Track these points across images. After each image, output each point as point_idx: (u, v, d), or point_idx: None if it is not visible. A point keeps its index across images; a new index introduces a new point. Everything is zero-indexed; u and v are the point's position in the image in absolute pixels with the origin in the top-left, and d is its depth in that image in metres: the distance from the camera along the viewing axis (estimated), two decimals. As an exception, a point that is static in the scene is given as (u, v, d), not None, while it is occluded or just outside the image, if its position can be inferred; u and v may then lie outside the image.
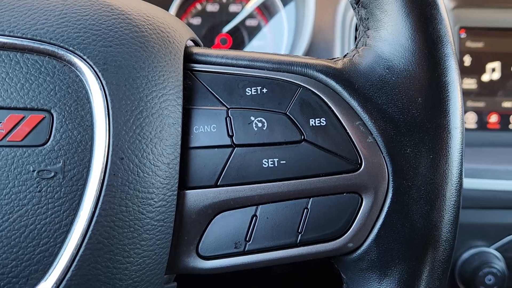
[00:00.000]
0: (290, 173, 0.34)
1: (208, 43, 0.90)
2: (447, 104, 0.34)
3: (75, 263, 0.30)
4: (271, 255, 0.34)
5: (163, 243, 0.33)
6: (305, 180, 0.34)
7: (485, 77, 0.85)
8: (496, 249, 0.77)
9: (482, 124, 0.85)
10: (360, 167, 0.34)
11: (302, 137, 0.34)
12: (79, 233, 0.30)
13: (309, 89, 0.35)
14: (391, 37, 0.35)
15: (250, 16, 0.90)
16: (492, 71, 0.85)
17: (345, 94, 0.35)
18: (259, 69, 0.36)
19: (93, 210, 0.30)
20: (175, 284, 0.37)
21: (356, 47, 0.37)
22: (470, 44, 0.85)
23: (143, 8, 0.36)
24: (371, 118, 0.34)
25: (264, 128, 0.34)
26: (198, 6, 0.90)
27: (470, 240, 0.78)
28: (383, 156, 0.34)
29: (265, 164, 0.34)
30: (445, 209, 0.34)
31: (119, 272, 0.31)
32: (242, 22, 0.90)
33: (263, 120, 0.34)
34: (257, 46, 0.89)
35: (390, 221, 0.34)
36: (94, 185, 0.30)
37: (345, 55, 0.37)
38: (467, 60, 0.85)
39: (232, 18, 0.89)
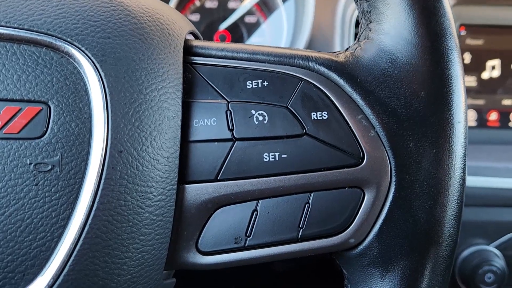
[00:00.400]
0: (292, 167, 0.33)
1: (207, 40, 0.89)
2: (450, 98, 0.33)
3: (72, 257, 0.29)
4: (272, 250, 0.34)
5: (162, 238, 0.32)
6: (307, 174, 0.33)
7: (485, 75, 0.84)
8: (496, 247, 0.77)
9: (482, 121, 0.85)
10: (362, 162, 0.33)
11: (304, 130, 0.34)
12: (77, 227, 0.30)
13: (311, 82, 0.34)
14: (394, 30, 0.34)
15: (249, 12, 0.89)
16: (492, 69, 0.84)
17: (347, 88, 0.34)
18: (260, 62, 0.35)
19: (91, 204, 0.30)
20: (174, 280, 0.36)
21: (358, 41, 0.37)
22: (470, 41, 0.84)
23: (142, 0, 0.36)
24: (374, 111, 0.34)
25: (265, 122, 0.34)
26: (197, 3, 0.89)
27: (470, 238, 0.78)
28: (386, 150, 0.33)
29: (266, 158, 0.33)
30: (448, 204, 0.33)
31: (117, 267, 0.31)
32: (241, 18, 0.89)
33: (264, 113, 0.34)
34: (256, 43, 0.89)
35: (393, 216, 0.33)
36: (92, 179, 0.30)
37: (347, 48, 0.37)
38: (467, 58, 0.84)
39: (231, 15, 0.89)
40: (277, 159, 0.33)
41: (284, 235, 0.34)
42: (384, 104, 0.34)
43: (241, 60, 0.35)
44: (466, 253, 0.77)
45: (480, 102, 0.85)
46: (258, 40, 0.89)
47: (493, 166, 0.78)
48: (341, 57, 0.35)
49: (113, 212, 0.30)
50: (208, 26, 0.89)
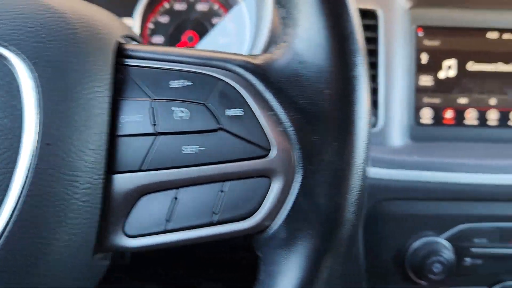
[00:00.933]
0: (208, 159, 0.37)
1: (176, 41, 0.93)
2: (353, 96, 0.37)
3: (3, 238, 0.33)
4: (191, 233, 0.37)
5: (89, 223, 0.36)
6: (221, 165, 0.37)
7: (441, 74, 0.88)
8: (446, 239, 0.81)
9: (438, 119, 0.88)
10: (271, 153, 0.37)
11: (219, 126, 0.37)
12: (8, 211, 0.33)
13: (228, 82, 0.38)
14: (305, 34, 0.38)
15: (216, 14, 0.93)
16: (448, 69, 0.88)
17: (260, 87, 0.38)
18: (184, 63, 0.39)
19: (21, 191, 0.33)
20: (107, 262, 0.40)
21: (277, 44, 0.40)
22: (427, 42, 0.88)
23: (78, 7, 0.39)
24: (284, 108, 0.37)
25: (185, 118, 0.37)
26: (166, 5, 0.93)
27: (421, 231, 0.81)
28: (293, 143, 0.37)
29: (185, 151, 0.37)
30: (348, 192, 0.37)
31: (46, 247, 0.34)
32: (208, 20, 0.93)
33: (185, 110, 0.37)
34: (222, 43, 0.92)
35: (298, 203, 0.37)
36: (22, 168, 0.33)
37: (266, 51, 0.40)
38: (424, 58, 0.88)
39: (199, 17, 0.92)
40: (195, 151, 0.37)
41: (202, 219, 0.37)
42: (293, 101, 0.37)
43: (168, 61, 0.39)
44: (416, 244, 0.80)
45: (436, 100, 0.88)
46: (224, 40, 0.92)
47: (446, 161, 0.81)
48: (259, 59, 0.39)
49: (41, 198, 0.34)
50: (177, 27, 0.93)
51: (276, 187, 0.37)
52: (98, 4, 0.93)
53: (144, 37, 0.92)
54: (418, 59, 0.88)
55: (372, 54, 0.85)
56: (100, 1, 0.93)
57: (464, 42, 0.88)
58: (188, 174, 0.37)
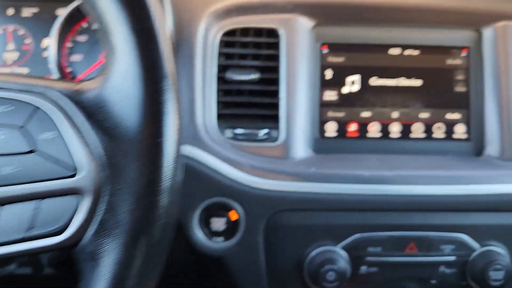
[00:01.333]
0: (24, 179, 0.40)
1: (94, 59, 0.96)
2: (158, 119, 0.40)
3: None
4: (9, 248, 0.40)
5: None
6: (36, 184, 0.40)
7: (345, 89, 0.91)
8: (342, 248, 0.84)
9: (342, 132, 0.92)
10: (79, 173, 0.40)
11: (33, 148, 0.40)
12: None
13: (44, 108, 0.41)
14: (117, 63, 0.41)
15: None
16: (352, 84, 0.92)
17: (74, 112, 0.41)
18: (7, 90, 0.42)
19: None
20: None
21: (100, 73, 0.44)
22: (331, 58, 0.91)
23: None
24: (94, 131, 0.41)
25: (3, 141, 0.40)
26: (84, 25, 0.96)
27: (320, 240, 0.84)
28: (99, 164, 0.40)
29: (1, 172, 0.40)
30: (150, 208, 0.40)
31: None
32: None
33: (4, 134, 0.40)
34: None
35: (104, 219, 0.40)
36: None
37: (90, 78, 0.44)
38: (329, 74, 0.91)
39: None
40: (11, 171, 0.40)
41: (19, 235, 0.40)
42: (101, 125, 0.40)
43: None
44: (313, 253, 0.83)
45: (341, 114, 0.91)
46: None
47: (342, 173, 0.85)
48: (79, 86, 0.42)
49: None
50: (95, 45, 0.96)
51: (84, 204, 0.40)
52: (17, 24, 0.95)
53: (63, 56, 0.95)
54: (322, 75, 0.91)
55: (275, 70, 0.89)
56: (20, 21, 0.96)
57: (367, 58, 0.92)
58: (4, 193, 0.40)
